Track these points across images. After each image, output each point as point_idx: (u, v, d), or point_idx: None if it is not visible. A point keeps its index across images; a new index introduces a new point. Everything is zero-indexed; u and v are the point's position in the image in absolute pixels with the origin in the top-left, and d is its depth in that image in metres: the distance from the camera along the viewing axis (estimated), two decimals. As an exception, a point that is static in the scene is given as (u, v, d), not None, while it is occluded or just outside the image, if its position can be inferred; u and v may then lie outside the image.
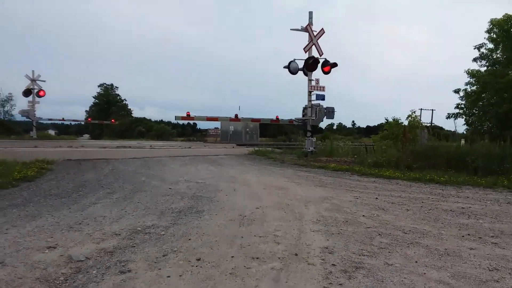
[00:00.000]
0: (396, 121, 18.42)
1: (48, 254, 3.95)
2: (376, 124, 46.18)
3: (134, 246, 4.27)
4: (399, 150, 13.86)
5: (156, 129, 58.66)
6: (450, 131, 29.88)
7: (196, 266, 3.71)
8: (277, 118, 19.24)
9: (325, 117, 18.45)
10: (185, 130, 73.68)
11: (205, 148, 22.25)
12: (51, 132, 57.34)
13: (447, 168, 11.57)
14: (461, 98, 16.74)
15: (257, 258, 3.93)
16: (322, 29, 18.22)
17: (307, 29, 18.08)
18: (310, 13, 18.31)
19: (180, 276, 3.47)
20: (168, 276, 3.45)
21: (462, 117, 15.04)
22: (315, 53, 18.17)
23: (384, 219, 5.60)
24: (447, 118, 15.89)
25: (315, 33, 18.14)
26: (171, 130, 62.32)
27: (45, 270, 3.54)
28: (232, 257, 3.96)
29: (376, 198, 7.31)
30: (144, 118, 64.79)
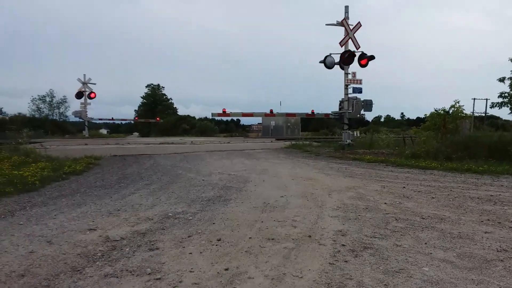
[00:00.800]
0: (437, 112, 17.83)
1: (88, 235, 4.49)
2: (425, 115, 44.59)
3: (164, 229, 4.71)
4: (439, 141, 13.49)
5: (199, 126, 60.42)
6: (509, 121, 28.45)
7: (216, 245, 4.08)
8: (312, 112, 19.31)
9: (362, 109, 18.26)
10: (228, 126, 75.16)
11: (244, 143, 22.78)
12: (103, 131, 61.00)
13: (488, 158, 11.16)
14: (510, 86, 15.87)
15: (272, 239, 4.23)
16: (359, 22, 18.04)
17: (343, 23, 17.97)
18: (346, 8, 18.19)
19: (200, 253, 3.85)
20: (190, 253, 3.85)
21: (508, 106, 14.28)
22: (351, 47, 18.03)
23: (406, 206, 5.67)
24: (491, 107, 15.08)
25: (351, 27, 17.98)
26: (214, 126, 63.92)
27: (85, 248, 4.05)
28: (250, 238, 4.29)
29: (404, 187, 7.32)
30: (188, 115, 67.20)
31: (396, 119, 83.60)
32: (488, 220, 4.90)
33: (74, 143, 20.50)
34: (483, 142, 11.94)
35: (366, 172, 9.78)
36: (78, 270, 3.43)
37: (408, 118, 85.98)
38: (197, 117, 68.01)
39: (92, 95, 36.43)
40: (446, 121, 14.36)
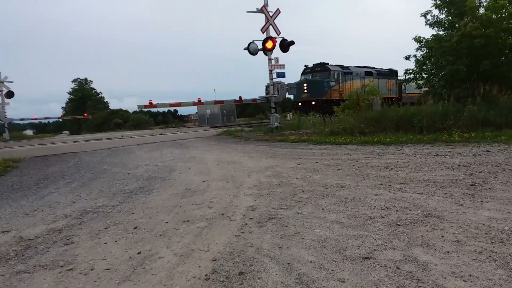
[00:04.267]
0: (355, 91, 19.18)
1: (2, 237, 4.42)
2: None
3: (81, 224, 4.78)
4: (355, 118, 14.60)
5: (133, 119, 58.33)
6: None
7: (132, 233, 4.26)
8: (240, 99, 19.70)
9: (287, 93, 19.03)
10: (165, 118, 73.27)
11: (177, 133, 22.63)
12: (29, 132, 56.19)
13: (396, 130, 12.38)
14: (415, 63, 17.51)
15: (188, 221, 4.51)
16: (278, 9, 18.60)
17: (262, 10, 18.40)
18: (264, -5, 18.60)
19: (115, 241, 4.02)
20: (105, 243, 4.00)
21: (413, 82, 15.85)
22: (273, 33, 18.55)
23: (314, 179, 6.26)
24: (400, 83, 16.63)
25: (271, 14, 18.48)
26: (149, 119, 62.07)
27: (-3, 249, 4.02)
28: (166, 222, 4.53)
29: (316, 162, 7.99)
30: (120, 109, 64.50)
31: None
32: (381, 184, 5.62)
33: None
34: (391, 116, 13.19)
35: (287, 151, 10.40)
36: (-12, 272, 3.44)
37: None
38: (131, 111, 65.51)
39: (9, 94, 33.52)
40: (360, 99, 15.53)
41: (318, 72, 30.97)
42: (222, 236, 3.87)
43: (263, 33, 18.59)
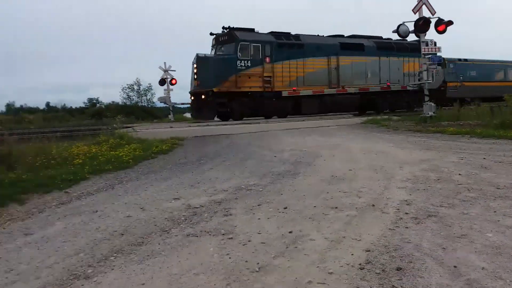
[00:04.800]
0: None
1: (174, 203, 5.15)
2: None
3: (237, 199, 5.20)
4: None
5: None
6: None
7: (282, 212, 4.44)
8: (388, 85, 18.49)
9: (444, 78, 17.02)
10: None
11: (320, 120, 22.71)
12: (187, 115, 64.51)
13: None
14: None
15: (336, 207, 4.46)
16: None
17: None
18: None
19: (268, 218, 4.25)
20: (259, 218, 4.27)
21: None
22: (426, 13, 16.73)
23: (482, 177, 5.44)
24: None
25: (424, -9, 16.65)
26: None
27: (171, 213, 4.69)
28: (314, 206, 4.57)
29: (484, 158, 6.92)
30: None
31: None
32: None
33: (161, 127, 22.33)
34: None
35: (445, 144, 9.33)
36: (166, 231, 4.05)
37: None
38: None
39: (173, 81, 38.85)
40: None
41: (223, 44, 18.70)
42: (375, 228, 3.69)
43: (415, 13, 16.92)
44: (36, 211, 5.03)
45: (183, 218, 4.47)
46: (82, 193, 5.89)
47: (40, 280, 3.00)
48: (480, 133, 11.03)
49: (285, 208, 4.58)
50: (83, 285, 2.88)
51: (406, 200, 4.53)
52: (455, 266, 2.78)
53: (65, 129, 14.16)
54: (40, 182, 6.12)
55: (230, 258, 3.19)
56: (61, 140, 10.19)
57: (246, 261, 3.10)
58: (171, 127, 20.65)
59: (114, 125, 15.30)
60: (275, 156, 8.87)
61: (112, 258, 3.34)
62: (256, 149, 10.57)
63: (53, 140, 9.49)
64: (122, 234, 3.99)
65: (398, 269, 2.79)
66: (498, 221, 3.62)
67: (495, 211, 3.90)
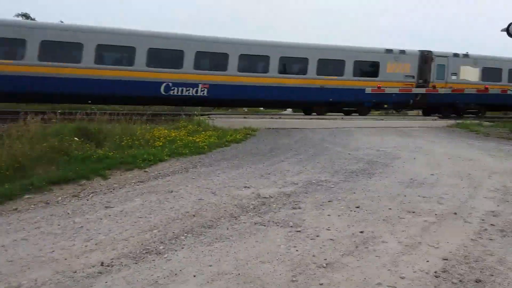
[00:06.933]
0: None
1: (243, 191, 5.24)
2: None
3: (307, 193, 5.13)
4: None
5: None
6: None
7: (354, 211, 4.28)
8: (486, 88, 16.85)
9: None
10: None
11: (399, 120, 21.51)
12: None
13: None
14: None
15: (413, 212, 4.18)
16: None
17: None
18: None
19: (338, 216, 4.13)
20: (329, 215, 4.16)
21: None
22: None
23: None
24: None
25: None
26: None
27: (240, 200, 4.78)
28: (389, 209, 4.33)
29: None
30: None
31: None
32: None
33: (235, 116, 22.93)
34: None
35: (546, 155, 8.25)
36: (235, 217, 4.13)
37: None
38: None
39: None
40: None
41: None
42: (455, 237, 3.39)
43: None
44: (118, 186, 5.46)
45: (251, 207, 4.52)
46: (159, 173, 6.26)
47: (116, 251, 3.24)
48: None
49: (357, 207, 4.41)
50: (154, 260, 3.05)
51: (493, 211, 4.09)
52: (551, 290, 2.44)
53: (150, 113, 15.14)
54: (123, 160, 6.63)
55: (297, 250, 3.16)
56: (145, 123, 10.93)
57: (314, 256, 3.04)
58: (245, 118, 21.12)
59: (195, 112, 16.08)
60: (349, 154, 8.58)
61: (182, 237, 3.50)
62: (329, 145, 10.34)
63: (138, 122, 10.21)
64: (194, 216, 4.15)
65: (477, 281, 2.54)
66: None
67: None
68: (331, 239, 3.40)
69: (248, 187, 5.45)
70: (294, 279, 2.64)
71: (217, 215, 4.20)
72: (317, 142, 11.16)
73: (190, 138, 9.67)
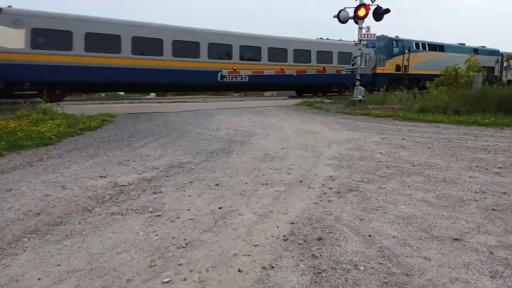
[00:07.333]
0: (452, 67, 17.45)
1: (99, 181, 4.90)
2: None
3: (168, 176, 5.09)
4: (450, 96, 13.38)
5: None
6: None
7: (214, 189, 4.44)
8: (324, 69, 19.12)
9: (375, 65, 17.97)
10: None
11: (256, 101, 22.91)
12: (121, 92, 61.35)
13: (497, 112, 11.09)
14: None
15: (266, 184, 4.55)
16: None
17: (355, -28, 17.23)
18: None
19: (199, 195, 4.22)
20: (190, 196, 4.22)
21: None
22: (367, 0, 17.41)
23: (400, 155, 5.89)
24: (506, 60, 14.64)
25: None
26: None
27: (95, 191, 4.46)
28: (245, 183, 4.63)
29: (403, 139, 7.49)
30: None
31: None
32: (476, 166, 5.10)
33: (90, 102, 21.01)
34: (493, 95, 11.81)
35: (370, 126, 9.92)
36: (88, 210, 3.84)
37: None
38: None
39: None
40: (459, 76, 14.10)
41: None
42: (301, 202, 3.84)
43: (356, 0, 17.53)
44: None
45: (108, 197, 4.27)
46: (-5, 171, 5.37)
47: None
48: (402, 116, 11.91)
49: (216, 185, 4.58)
50: (-11, 268, 2.65)
51: (331, 176, 4.77)
52: (369, 235, 2.99)
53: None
54: None
55: (156, 235, 3.13)
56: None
57: (173, 238, 3.07)
58: (102, 103, 19.54)
59: (38, 99, 14.11)
60: (210, 135, 8.79)
61: (25, 239, 3.10)
62: (191, 127, 10.40)
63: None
64: (38, 214, 3.71)
65: (319, 239, 2.94)
66: (411, 194, 3.96)
67: (409, 186, 4.26)
68: (191, 219, 3.47)
69: (105, 176, 5.11)
70: (152, 264, 2.62)
71: (67, 210, 3.84)
72: (179, 125, 11.09)
73: (34, 128, 8.51)
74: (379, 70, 23.31)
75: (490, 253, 2.70)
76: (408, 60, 24.49)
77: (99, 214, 3.71)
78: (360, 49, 17.84)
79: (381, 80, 22.06)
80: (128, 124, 11.39)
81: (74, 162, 5.97)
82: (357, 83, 18.29)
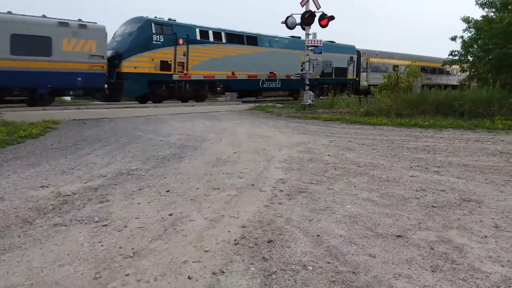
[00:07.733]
0: (394, 72, 18.51)
1: (41, 192, 4.63)
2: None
3: (116, 184, 4.92)
4: (392, 99, 14.15)
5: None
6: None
7: (164, 196, 4.36)
8: (274, 74, 19.46)
9: (322, 70, 18.59)
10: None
11: (209, 106, 22.79)
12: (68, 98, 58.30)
13: (436, 114, 11.90)
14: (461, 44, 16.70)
15: (218, 188, 4.55)
16: (318, -19, 17.89)
17: (302, -19, 17.78)
18: (305, -37, 17.85)
19: (148, 202, 4.12)
20: (139, 203, 4.11)
21: (457, 64, 15.07)
22: (312, 7, 18.00)
23: (347, 157, 6.14)
24: (442, 65, 15.87)
25: (311, -14, 17.84)
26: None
27: (37, 202, 4.21)
28: (197, 188, 4.59)
29: (349, 141, 7.82)
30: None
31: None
32: (417, 166, 5.44)
33: (33, 109, 19.79)
34: (431, 99, 12.66)
35: (319, 129, 10.25)
36: (29, 222, 3.62)
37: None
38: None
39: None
40: (399, 81, 14.98)
41: None
42: (252, 205, 3.88)
43: (302, 6, 18.07)
44: None
45: (50, 207, 4.05)
46: None
47: None
48: (349, 119, 12.40)
49: (167, 191, 4.51)
50: None
51: (281, 179, 4.86)
52: (318, 235, 3.09)
53: None
54: None
55: (102, 246, 3.01)
56: None
57: (120, 247, 2.97)
58: (45, 110, 18.48)
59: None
60: (161, 140, 8.62)
61: (-45, 257, 2.86)
62: (142, 133, 10.12)
63: None
64: (-28, 229, 3.44)
65: (269, 241, 2.99)
66: (357, 194, 4.14)
67: (355, 186, 4.45)
68: (140, 227, 3.38)
69: (47, 186, 4.84)
70: (97, 275, 2.52)
71: (6, 222, 3.59)
72: (128, 131, 10.76)
73: (-35, 136, 7.87)
74: (126, 67, 16.68)
75: (431, 248, 2.88)
76: (186, 55, 18.26)
77: (40, 226, 3.51)
78: (308, 55, 18.39)
79: (130, 84, 17.18)
80: (73, 130, 10.87)
81: (14, 172, 5.60)
82: (306, 88, 18.82)
